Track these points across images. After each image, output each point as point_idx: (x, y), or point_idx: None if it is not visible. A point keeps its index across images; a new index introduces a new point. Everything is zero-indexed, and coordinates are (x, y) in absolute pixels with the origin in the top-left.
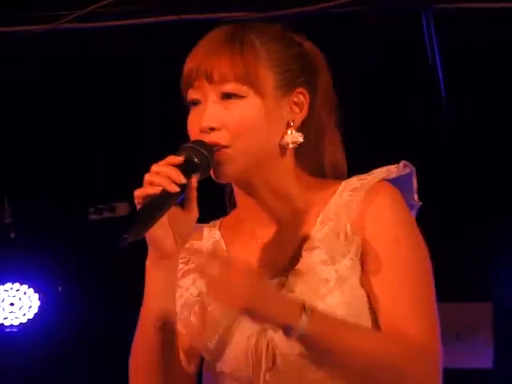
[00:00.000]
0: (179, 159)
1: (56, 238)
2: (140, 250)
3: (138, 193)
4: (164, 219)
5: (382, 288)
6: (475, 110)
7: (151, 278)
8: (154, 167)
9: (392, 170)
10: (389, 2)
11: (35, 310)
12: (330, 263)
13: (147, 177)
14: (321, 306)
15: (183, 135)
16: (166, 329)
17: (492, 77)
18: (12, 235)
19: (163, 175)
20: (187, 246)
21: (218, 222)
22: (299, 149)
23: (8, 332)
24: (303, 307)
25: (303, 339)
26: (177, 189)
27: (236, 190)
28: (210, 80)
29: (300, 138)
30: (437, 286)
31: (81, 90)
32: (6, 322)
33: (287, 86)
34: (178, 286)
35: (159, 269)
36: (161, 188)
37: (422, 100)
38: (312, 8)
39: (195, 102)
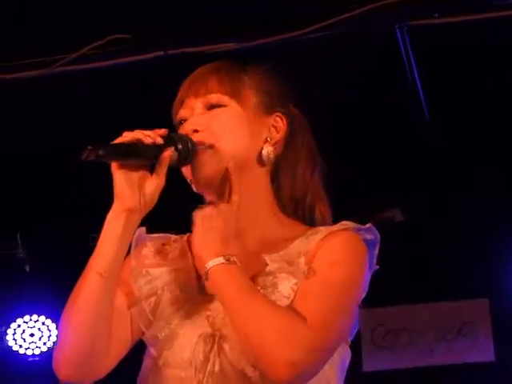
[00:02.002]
0: (162, 131)
1: (69, 269)
2: None
3: (116, 140)
4: (134, 177)
5: (303, 293)
6: (457, 127)
7: (108, 227)
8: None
9: (359, 229)
10: (360, 23)
11: (54, 338)
12: (272, 279)
13: (125, 132)
14: None
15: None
16: (108, 280)
17: (472, 90)
18: (27, 269)
19: (140, 132)
20: (157, 247)
21: (186, 236)
22: (275, 174)
23: (31, 361)
24: (223, 255)
25: (208, 282)
26: (149, 140)
27: (210, 203)
28: (196, 95)
29: (273, 157)
30: (436, 285)
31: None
32: (29, 352)
33: (267, 108)
34: (147, 272)
35: (119, 219)
36: (135, 138)
37: (402, 119)
38: (287, 35)
39: (183, 121)
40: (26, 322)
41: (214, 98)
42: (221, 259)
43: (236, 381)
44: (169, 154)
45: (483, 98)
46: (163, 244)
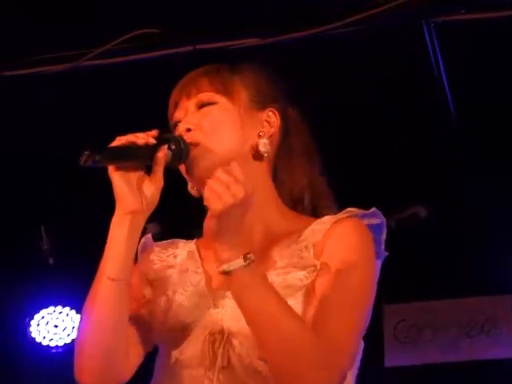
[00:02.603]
0: (153, 132)
1: (92, 260)
2: None
3: (110, 145)
4: (133, 179)
5: (322, 300)
6: (483, 121)
7: (114, 232)
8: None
9: (364, 215)
10: (388, 18)
11: None
12: (282, 274)
13: (120, 136)
14: None
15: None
16: (121, 284)
17: (498, 86)
18: (51, 261)
19: (133, 135)
20: (164, 251)
21: (194, 240)
22: (274, 171)
23: (54, 352)
24: (246, 254)
25: (231, 281)
26: (142, 141)
27: None
28: (188, 96)
29: (269, 151)
30: (459, 281)
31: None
32: (52, 343)
33: (260, 103)
34: (155, 274)
35: (123, 223)
36: (129, 141)
37: (429, 114)
38: (314, 31)
39: (177, 123)
40: (50, 314)
41: (206, 96)
42: (239, 262)
43: (246, 376)
44: (163, 153)
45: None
46: (171, 248)
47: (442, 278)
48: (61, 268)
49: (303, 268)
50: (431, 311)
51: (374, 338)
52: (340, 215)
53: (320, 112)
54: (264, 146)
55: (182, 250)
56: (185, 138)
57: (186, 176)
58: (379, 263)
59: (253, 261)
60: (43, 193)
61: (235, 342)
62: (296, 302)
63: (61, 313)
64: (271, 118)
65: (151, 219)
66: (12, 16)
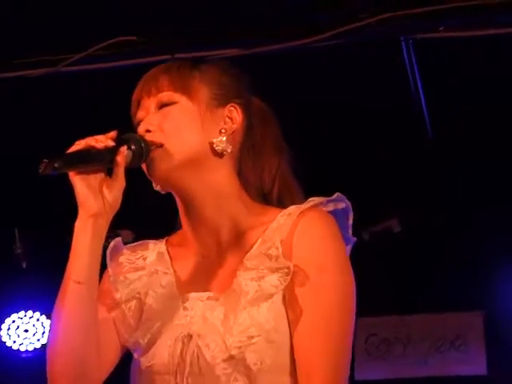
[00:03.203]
0: (111, 134)
1: (65, 266)
2: None
3: (68, 150)
4: (94, 183)
5: (301, 319)
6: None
7: (78, 235)
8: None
9: (328, 201)
10: (368, 33)
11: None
12: (256, 280)
13: (79, 141)
14: (244, 315)
15: None
16: (88, 287)
17: (475, 103)
18: (24, 265)
19: (91, 138)
20: (134, 253)
21: (164, 239)
22: (240, 166)
23: (24, 357)
24: None
25: None
26: (101, 145)
27: (179, 201)
28: (149, 95)
29: (228, 147)
30: (430, 297)
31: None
32: (22, 348)
33: (221, 100)
34: (124, 277)
35: (86, 227)
36: (88, 145)
37: (405, 132)
38: (292, 43)
39: (139, 122)
40: (21, 318)
41: (165, 96)
42: None
43: (214, 380)
44: (123, 154)
45: (488, 112)
46: (141, 250)
47: (413, 293)
48: (33, 272)
49: (275, 270)
50: (402, 326)
51: None
52: (304, 206)
53: (297, 123)
54: (220, 143)
55: (152, 252)
56: (146, 138)
57: (147, 175)
58: (348, 249)
59: None
60: (17, 195)
61: (202, 344)
62: (272, 302)
63: (31, 317)
64: (233, 114)
65: (121, 225)
66: None
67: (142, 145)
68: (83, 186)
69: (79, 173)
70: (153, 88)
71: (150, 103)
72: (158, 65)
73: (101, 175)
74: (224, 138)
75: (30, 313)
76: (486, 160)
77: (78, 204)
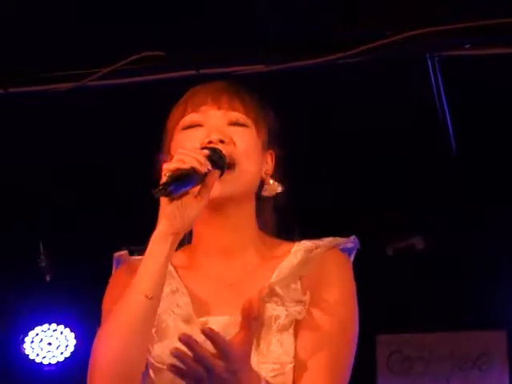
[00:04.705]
0: (205, 152)
1: (88, 280)
2: None
3: (168, 166)
4: (179, 201)
5: (307, 344)
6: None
7: (155, 249)
8: (183, 150)
9: (343, 241)
10: (393, 50)
11: (71, 348)
12: (282, 305)
13: (178, 155)
14: (275, 342)
15: None
16: (157, 303)
17: (500, 121)
18: (48, 278)
19: (193, 157)
20: None
21: None
22: (259, 203)
23: (47, 370)
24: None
25: None
26: (205, 169)
27: (208, 218)
28: (219, 106)
29: (279, 189)
30: (454, 315)
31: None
32: (45, 361)
33: (268, 144)
34: None
35: (166, 242)
36: (190, 166)
37: (431, 148)
38: (318, 60)
39: (195, 125)
40: (44, 331)
41: (240, 116)
42: None
43: None
44: (217, 175)
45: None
46: None
47: (436, 311)
48: (57, 285)
49: (296, 302)
50: (425, 343)
51: (367, 367)
52: (324, 245)
53: (320, 140)
54: (274, 187)
55: None
56: (221, 149)
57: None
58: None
59: None
60: (43, 208)
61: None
62: (289, 335)
63: (55, 330)
64: (269, 161)
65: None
66: (19, 31)
67: (224, 164)
68: (173, 203)
69: None
70: (225, 102)
71: (218, 115)
72: (188, 83)
73: (187, 194)
74: (275, 182)
75: (53, 326)
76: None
77: (162, 218)
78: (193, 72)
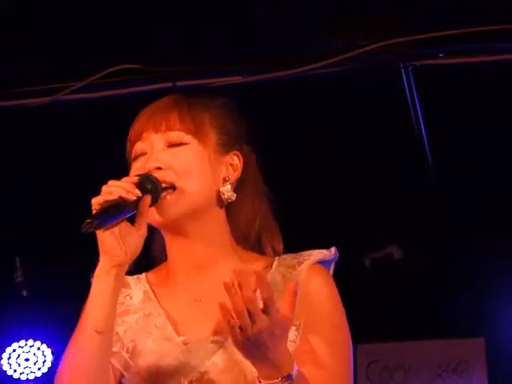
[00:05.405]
0: (134, 179)
1: (65, 295)
2: None
3: (96, 200)
4: (116, 231)
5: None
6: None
7: (100, 285)
8: (111, 182)
9: (325, 254)
10: (367, 61)
11: (49, 364)
12: None
13: (105, 187)
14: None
15: None
16: (108, 337)
17: (475, 131)
18: (24, 294)
19: (120, 186)
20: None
21: (142, 276)
22: (231, 215)
23: None
24: (287, 375)
25: None
26: (133, 197)
27: (171, 242)
28: (156, 130)
29: (233, 196)
30: (433, 323)
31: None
32: (23, 377)
33: (226, 146)
34: (123, 321)
35: (109, 275)
36: (118, 196)
37: (405, 159)
38: (294, 71)
39: (140, 155)
40: (22, 347)
41: (176, 136)
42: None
43: None
44: (148, 202)
45: (488, 139)
46: (124, 287)
47: (415, 319)
48: (34, 301)
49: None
50: (404, 352)
51: None
52: (306, 263)
53: (297, 150)
54: (226, 192)
55: (137, 290)
56: (156, 176)
57: (151, 218)
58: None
59: (292, 381)
60: (19, 224)
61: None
62: None
63: (32, 346)
64: (235, 162)
65: None
66: None
67: (159, 188)
68: (109, 235)
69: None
70: (162, 124)
71: (156, 139)
72: (164, 96)
73: (123, 224)
74: (229, 187)
75: (30, 342)
76: (487, 186)
77: (102, 252)
78: (169, 84)
